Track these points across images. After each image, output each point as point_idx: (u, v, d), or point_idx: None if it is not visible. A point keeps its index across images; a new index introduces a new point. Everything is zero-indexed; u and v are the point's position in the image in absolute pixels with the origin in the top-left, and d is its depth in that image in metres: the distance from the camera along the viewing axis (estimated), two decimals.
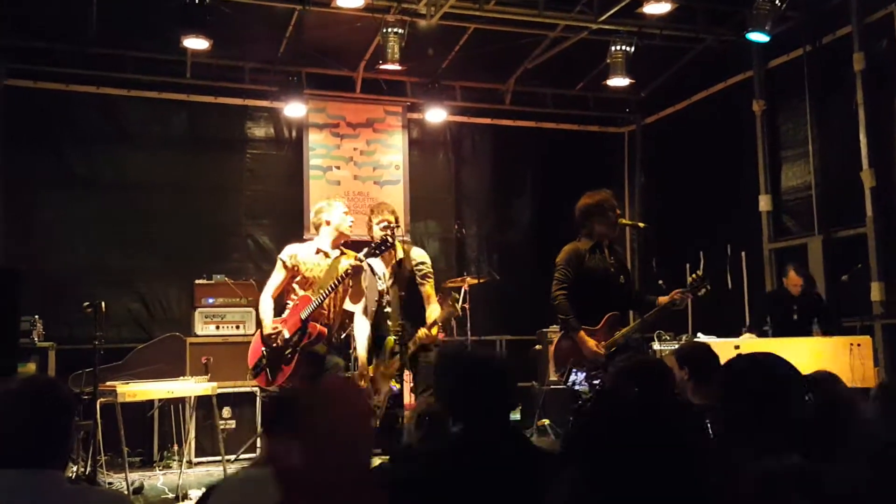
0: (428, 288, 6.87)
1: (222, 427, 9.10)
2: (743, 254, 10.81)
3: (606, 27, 10.37)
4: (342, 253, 6.87)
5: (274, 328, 6.76)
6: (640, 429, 1.73)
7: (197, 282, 10.47)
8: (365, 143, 12.26)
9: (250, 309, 10.29)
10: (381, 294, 6.80)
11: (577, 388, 6.06)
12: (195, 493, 7.61)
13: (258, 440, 9.33)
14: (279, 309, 6.97)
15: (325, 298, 6.63)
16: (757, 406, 2.88)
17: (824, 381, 3.58)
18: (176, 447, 9.46)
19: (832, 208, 10.07)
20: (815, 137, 10.27)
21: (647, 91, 12.89)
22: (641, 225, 8.45)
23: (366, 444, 2.63)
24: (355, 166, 12.18)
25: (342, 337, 7.47)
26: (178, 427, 9.47)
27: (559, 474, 1.85)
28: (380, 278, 6.84)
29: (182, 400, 9.14)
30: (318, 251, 6.92)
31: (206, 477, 8.69)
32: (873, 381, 7.39)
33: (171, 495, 7.94)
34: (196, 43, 9.58)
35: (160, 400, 9.04)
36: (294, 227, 11.32)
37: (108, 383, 7.98)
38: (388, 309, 6.76)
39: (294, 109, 11.47)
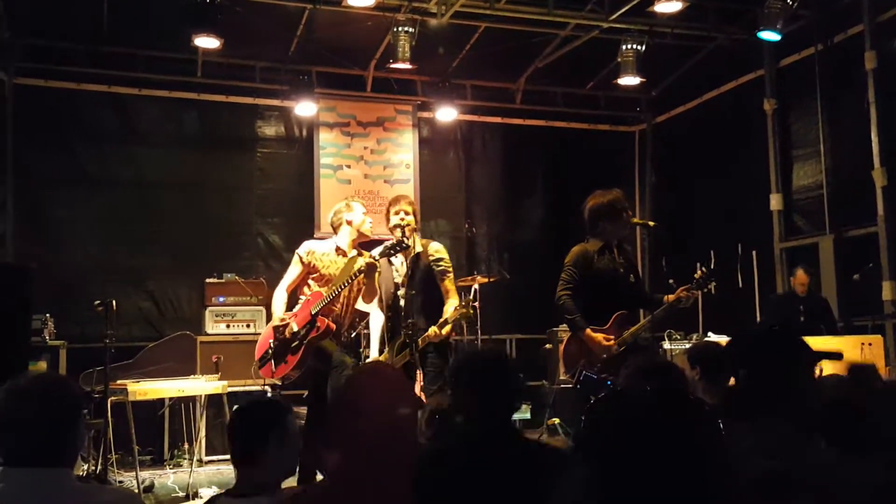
0: (447, 283, 6.80)
1: None
2: (754, 253, 10.78)
3: (617, 26, 10.36)
4: (359, 254, 6.91)
5: (282, 320, 6.80)
6: (653, 427, 1.72)
7: (207, 280, 10.50)
8: (375, 141, 12.27)
9: (261, 307, 10.32)
10: (396, 287, 6.79)
11: (590, 375, 5.97)
12: (206, 492, 7.64)
13: None
14: (292, 304, 7.01)
15: (336, 295, 6.66)
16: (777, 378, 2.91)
17: (862, 370, 3.57)
18: (186, 446, 9.48)
19: (843, 207, 10.04)
20: (827, 136, 10.24)
21: (658, 90, 12.88)
22: (651, 224, 8.41)
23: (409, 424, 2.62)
24: (366, 165, 12.18)
25: (352, 336, 7.49)
26: (189, 425, 9.49)
27: (570, 473, 1.84)
28: (396, 270, 6.84)
29: (192, 398, 9.15)
30: (337, 249, 6.97)
31: (217, 475, 8.71)
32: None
33: (181, 494, 7.96)
34: (207, 42, 9.60)
35: (171, 398, 9.06)
36: (305, 225, 11.35)
37: (118, 382, 7.99)
38: (402, 303, 6.74)
39: (304, 108, 11.48)
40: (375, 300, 6.99)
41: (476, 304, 9.80)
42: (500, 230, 12.96)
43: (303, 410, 6.97)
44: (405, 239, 6.62)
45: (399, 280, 6.80)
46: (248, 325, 10.33)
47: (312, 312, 6.68)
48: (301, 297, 6.97)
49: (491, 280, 10.39)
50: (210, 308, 10.35)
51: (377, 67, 11.85)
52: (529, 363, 11.72)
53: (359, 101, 12.28)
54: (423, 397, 6.53)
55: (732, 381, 3.47)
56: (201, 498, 7.52)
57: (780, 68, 11.01)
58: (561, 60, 11.77)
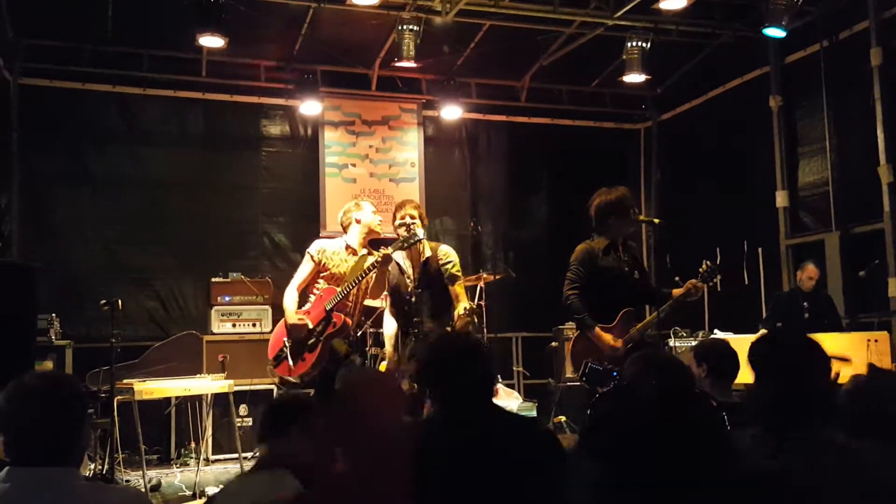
0: (457, 288, 6.78)
1: (239, 424, 9.12)
2: (759, 250, 10.78)
3: (622, 23, 10.34)
4: (369, 252, 6.94)
5: (299, 319, 6.82)
6: (658, 421, 1.71)
7: (213, 280, 10.51)
8: (380, 140, 12.26)
9: (266, 307, 10.34)
10: (407, 293, 6.79)
11: (595, 367, 5.93)
12: (212, 491, 7.63)
13: None
14: (303, 303, 7.02)
15: (349, 290, 6.71)
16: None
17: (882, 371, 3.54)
18: (193, 445, 9.49)
19: (849, 204, 10.02)
20: (832, 133, 10.22)
21: (664, 87, 12.87)
22: (657, 221, 8.40)
23: (397, 427, 2.62)
24: (371, 164, 12.18)
25: (357, 334, 7.51)
26: (195, 425, 9.48)
27: (576, 466, 1.84)
28: (407, 277, 6.84)
29: (199, 397, 9.15)
30: (347, 248, 7.01)
31: (224, 474, 8.72)
32: None
33: (188, 493, 7.96)
34: (211, 41, 9.60)
35: (177, 398, 9.07)
36: (310, 224, 11.35)
37: (125, 381, 7.98)
38: (412, 308, 6.73)
39: (309, 107, 11.49)
40: (388, 305, 7.03)
41: (482, 302, 9.81)
42: (505, 228, 12.95)
43: None
44: (417, 234, 6.62)
45: (409, 284, 6.81)
46: (253, 325, 10.34)
47: (327, 308, 6.73)
48: (311, 295, 6.99)
49: (497, 278, 10.38)
50: (216, 307, 10.36)
51: (382, 66, 11.83)
52: (535, 361, 11.76)
53: (364, 100, 12.27)
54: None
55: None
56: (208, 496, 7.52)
57: (786, 65, 10.98)
58: (566, 58, 11.76)
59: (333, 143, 12.03)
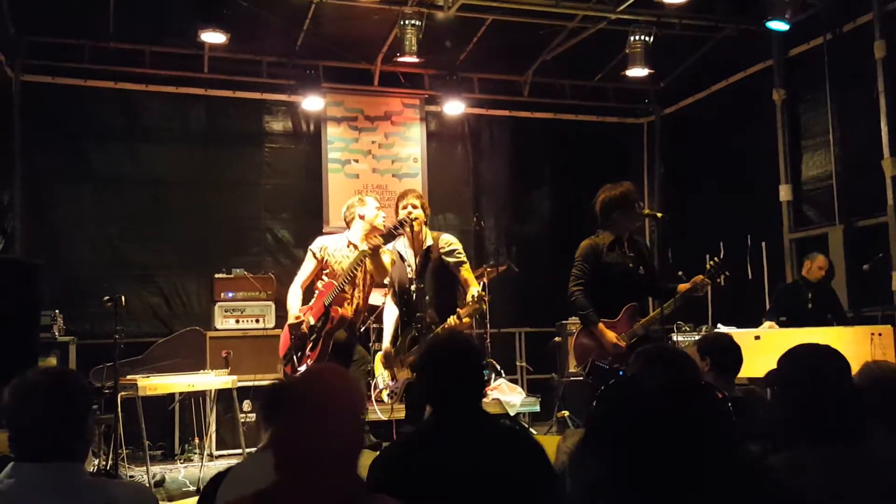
0: (464, 272, 6.76)
1: (243, 420, 9.12)
2: (763, 244, 10.77)
3: (625, 17, 10.34)
4: (379, 245, 6.92)
5: (297, 317, 6.84)
6: (663, 413, 1.70)
7: (216, 276, 10.50)
8: (383, 136, 12.25)
9: (270, 302, 10.34)
10: (409, 281, 6.78)
11: (600, 365, 5.93)
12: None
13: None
14: (307, 300, 7.05)
15: (346, 283, 6.72)
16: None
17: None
18: (197, 440, 9.49)
19: (853, 198, 10.00)
20: (836, 126, 10.20)
21: (667, 81, 12.84)
22: (660, 215, 8.37)
23: (353, 426, 2.61)
24: (374, 159, 12.17)
25: (361, 330, 7.51)
26: (199, 420, 9.49)
27: (581, 460, 1.83)
28: (409, 266, 6.83)
29: (202, 393, 9.16)
30: (349, 244, 7.00)
31: None
32: None
33: (192, 488, 7.95)
34: (213, 37, 9.60)
35: (181, 393, 9.08)
36: (313, 220, 11.36)
37: (128, 377, 7.98)
38: (413, 297, 6.73)
39: (312, 103, 11.48)
40: (390, 295, 7.02)
41: (485, 295, 9.81)
42: (508, 223, 12.95)
43: None
44: (406, 219, 6.60)
45: (411, 275, 6.80)
46: (257, 321, 10.34)
47: (326, 304, 6.75)
48: (316, 291, 7.01)
49: (500, 270, 10.37)
50: (219, 303, 10.35)
51: (384, 61, 11.82)
52: (538, 356, 11.75)
53: (366, 96, 12.26)
54: None
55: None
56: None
57: (789, 58, 10.96)
58: (569, 52, 11.74)
59: (336, 139, 12.03)
